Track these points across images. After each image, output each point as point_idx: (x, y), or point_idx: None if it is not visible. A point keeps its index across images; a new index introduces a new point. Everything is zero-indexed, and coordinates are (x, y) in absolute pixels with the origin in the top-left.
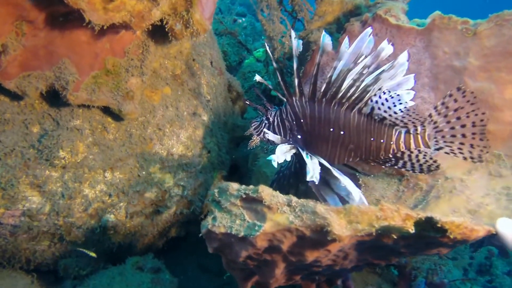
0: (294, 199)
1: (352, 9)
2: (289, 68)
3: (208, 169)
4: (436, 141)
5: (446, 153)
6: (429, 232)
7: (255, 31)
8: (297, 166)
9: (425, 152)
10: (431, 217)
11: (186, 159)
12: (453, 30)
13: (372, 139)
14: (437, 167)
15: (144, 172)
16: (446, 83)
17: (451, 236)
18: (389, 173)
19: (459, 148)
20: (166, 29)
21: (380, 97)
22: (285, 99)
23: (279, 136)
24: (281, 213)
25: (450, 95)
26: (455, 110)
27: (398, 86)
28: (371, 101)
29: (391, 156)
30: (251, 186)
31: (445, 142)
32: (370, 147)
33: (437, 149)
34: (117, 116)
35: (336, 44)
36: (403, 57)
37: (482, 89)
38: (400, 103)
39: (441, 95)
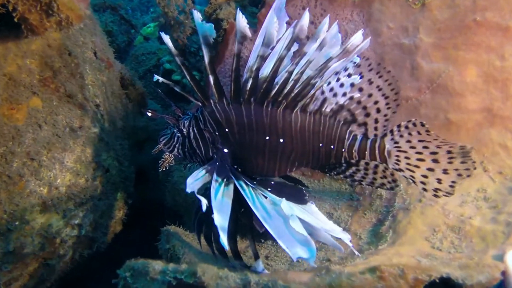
0: (253, 279)
1: None
2: (192, 48)
3: (110, 192)
4: (398, 160)
5: (404, 176)
6: None
7: (142, 2)
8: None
9: (386, 166)
10: (449, 278)
11: (78, 188)
12: (397, 1)
13: (320, 144)
14: (395, 186)
15: (17, 223)
16: (396, 66)
17: None
18: (336, 179)
19: (424, 176)
20: (15, 20)
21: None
22: (200, 104)
23: (204, 172)
24: None
25: (414, 125)
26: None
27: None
28: (321, 93)
29: (342, 161)
30: (184, 266)
31: (408, 165)
32: (319, 155)
33: (396, 170)
34: None
35: (255, 21)
36: (357, 38)
37: (439, 71)
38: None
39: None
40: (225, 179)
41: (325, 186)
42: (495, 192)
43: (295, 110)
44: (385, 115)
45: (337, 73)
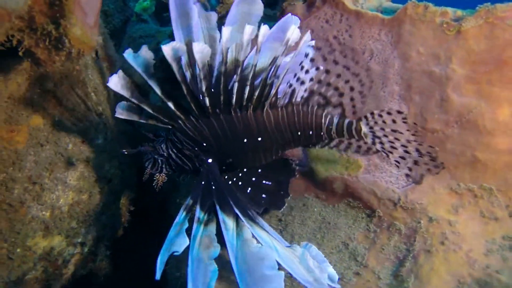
0: None
1: None
2: None
3: (112, 202)
4: (373, 142)
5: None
6: None
7: None
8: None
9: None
10: None
11: (81, 205)
12: (430, 24)
13: (298, 133)
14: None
15: (18, 250)
16: (423, 95)
17: None
18: (353, 206)
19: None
20: (20, 53)
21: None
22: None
23: (184, 215)
24: None
25: (389, 113)
26: (394, 130)
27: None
28: (289, 86)
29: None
30: None
31: (382, 144)
32: (299, 140)
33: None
34: None
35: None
36: (294, 33)
37: (470, 106)
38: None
39: (415, 109)
40: (207, 214)
41: (340, 212)
42: None
43: (265, 109)
44: (360, 92)
45: (300, 63)
